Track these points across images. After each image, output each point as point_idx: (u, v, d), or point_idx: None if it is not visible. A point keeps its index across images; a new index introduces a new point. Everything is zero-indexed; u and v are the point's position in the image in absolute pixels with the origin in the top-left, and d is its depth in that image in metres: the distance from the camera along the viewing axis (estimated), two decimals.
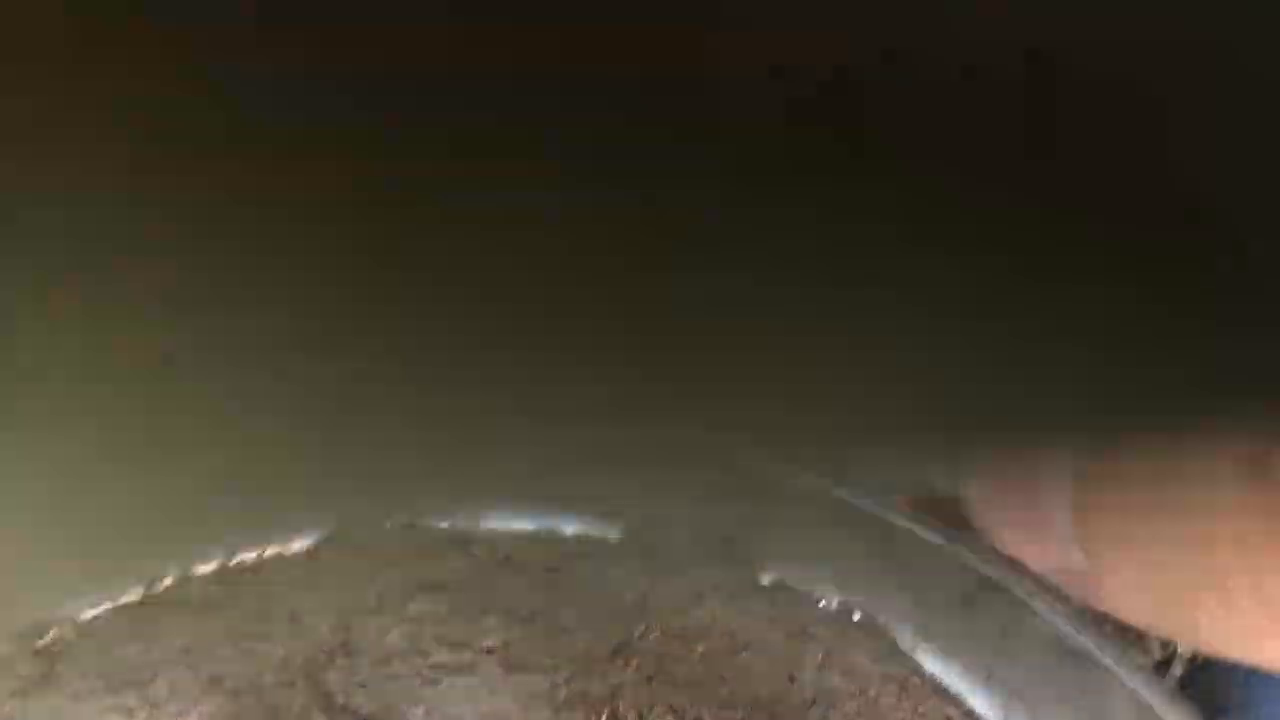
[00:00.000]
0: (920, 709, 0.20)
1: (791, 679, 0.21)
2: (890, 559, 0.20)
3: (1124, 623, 0.18)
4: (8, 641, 0.20)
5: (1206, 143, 0.17)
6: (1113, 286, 0.18)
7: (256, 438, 0.22)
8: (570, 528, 0.22)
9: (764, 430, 0.21)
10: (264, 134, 0.18)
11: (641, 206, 0.19)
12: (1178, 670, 0.29)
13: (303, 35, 0.17)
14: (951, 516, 0.20)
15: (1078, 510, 0.18)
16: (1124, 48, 0.16)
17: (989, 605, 0.19)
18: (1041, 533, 0.18)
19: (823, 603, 0.21)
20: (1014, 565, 0.20)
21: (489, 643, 0.21)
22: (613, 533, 0.22)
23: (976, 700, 0.19)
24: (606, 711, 0.21)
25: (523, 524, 0.22)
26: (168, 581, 0.21)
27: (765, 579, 0.21)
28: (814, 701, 0.21)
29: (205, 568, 0.21)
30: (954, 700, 0.20)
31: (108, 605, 0.20)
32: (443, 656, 0.21)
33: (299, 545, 0.21)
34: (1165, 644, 0.31)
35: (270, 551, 0.21)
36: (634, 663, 0.21)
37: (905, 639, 0.20)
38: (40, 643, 0.20)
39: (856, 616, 0.20)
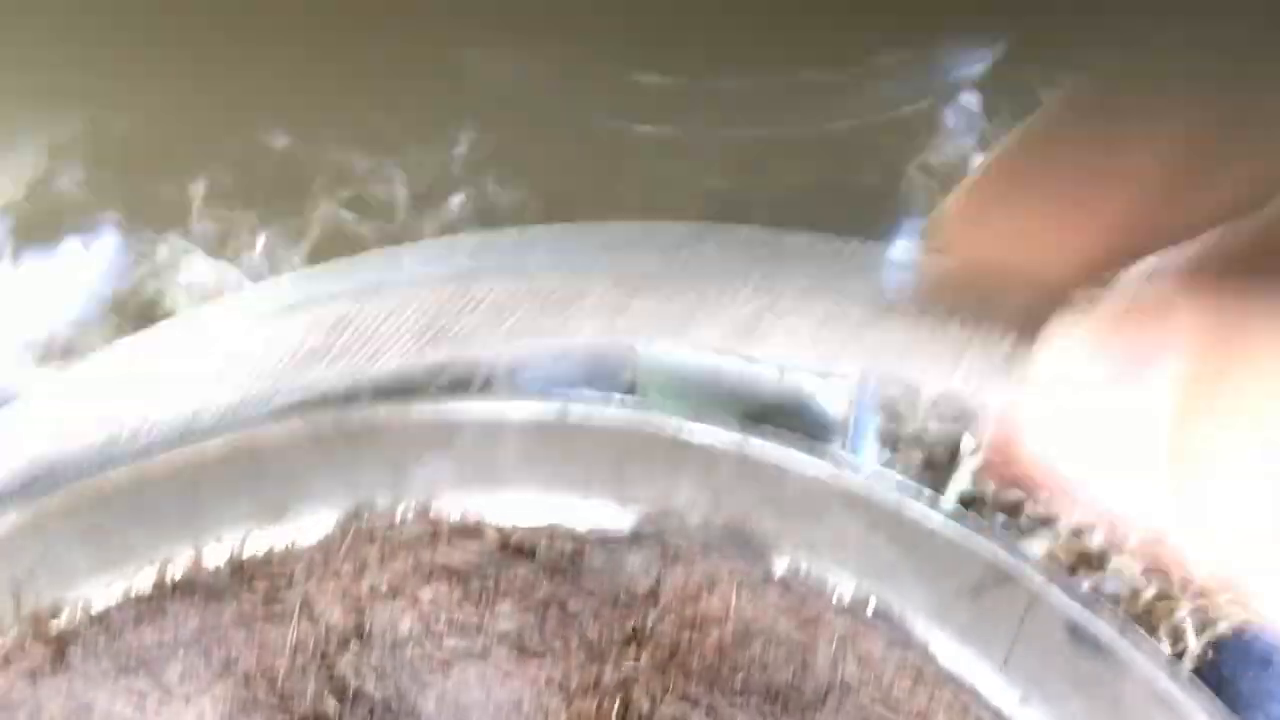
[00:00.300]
0: (935, 697, 0.20)
1: (805, 667, 0.21)
2: (905, 547, 0.20)
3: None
4: (20, 625, 0.20)
5: None
6: None
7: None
8: (583, 514, 0.22)
9: None
10: None
11: None
12: (1188, 664, 0.29)
13: None
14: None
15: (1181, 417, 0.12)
16: None
17: (1003, 593, 0.19)
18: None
19: (837, 591, 0.21)
20: (1028, 554, 0.20)
21: (502, 628, 0.21)
22: (626, 520, 0.22)
23: (991, 688, 0.19)
24: (619, 699, 0.21)
25: (536, 511, 0.22)
26: (180, 566, 0.21)
27: (779, 568, 0.21)
28: (828, 690, 0.21)
29: (217, 552, 0.21)
30: (968, 688, 0.20)
31: (119, 589, 0.20)
32: (455, 643, 0.21)
33: (312, 532, 0.21)
34: (1177, 637, 0.31)
35: (283, 538, 0.21)
36: (647, 650, 0.21)
37: (919, 627, 0.20)
38: (52, 626, 0.20)
39: (871, 605, 0.20)
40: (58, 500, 0.20)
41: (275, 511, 0.21)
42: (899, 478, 0.21)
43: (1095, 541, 0.34)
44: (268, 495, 0.21)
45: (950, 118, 0.58)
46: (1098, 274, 0.16)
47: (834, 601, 0.21)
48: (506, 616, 0.21)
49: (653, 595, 0.22)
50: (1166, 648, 0.23)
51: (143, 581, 0.20)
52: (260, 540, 0.21)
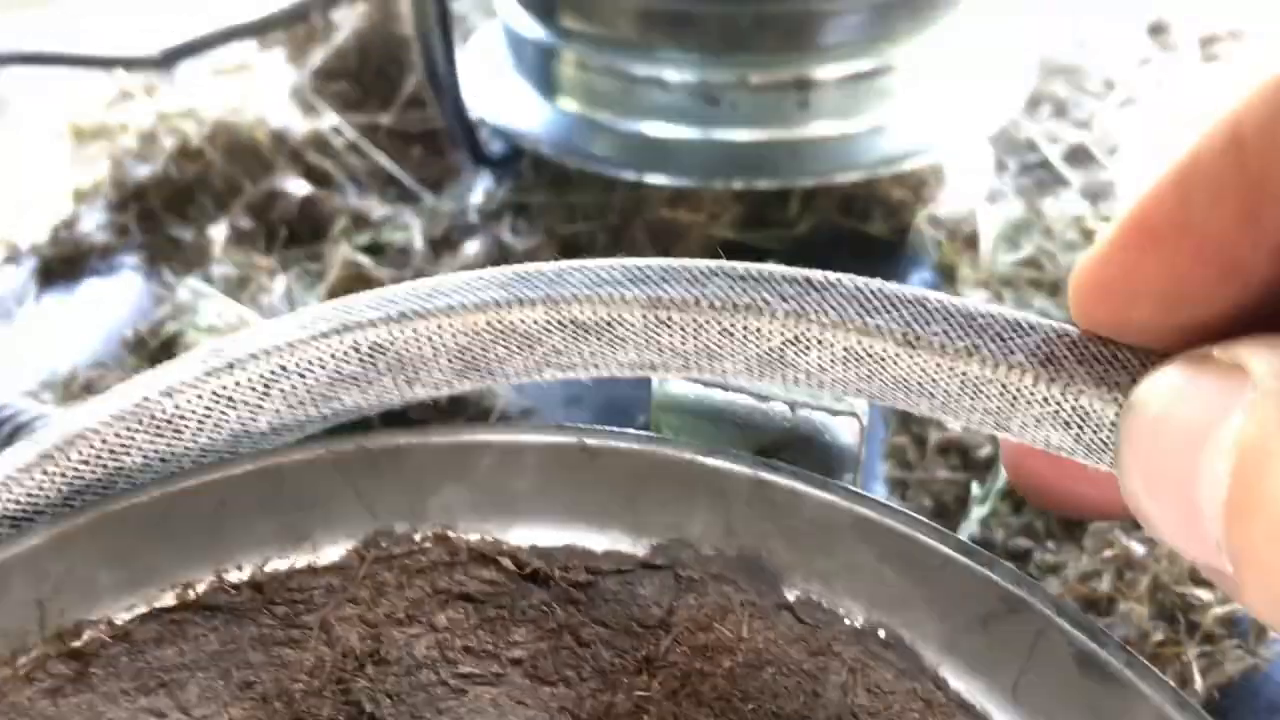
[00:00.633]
0: None
1: (816, 695, 0.21)
2: (915, 576, 0.20)
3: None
4: (44, 643, 0.20)
5: None
6: None
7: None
8: (598, 542, 0.22)
9: None
10: None
11: None
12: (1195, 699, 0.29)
13: None
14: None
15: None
16: None
17: (1013, 622, 0.20)
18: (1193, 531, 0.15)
19: (848, 620, 0.21)
20: (1040, 584, 0.20)
21: (516, 654, 0.22)
22: (640, 549, 0.22)
23: (1001, 717, 0.20)
24: None
25: (551, 539, 0.22)
26: (202, 587, 0.21)
27: (791, 596, 0.21)
28: (838, 718, 0.21)
29: (239, 575, 0.21)
30: (978, 717, 0.20)
31: (142, 609, 0.21)
32: (470, 667, 0.22)
33: (331, 555, 0.22)
34: (1184, 681, 0.31)
35: (303, 560, 0.22)
36: (659, 678, 0.22)
37: (930, 656, 0.20)
38: (75, 644, 0.20)
39: (881, 634, 0.21)
40: (83, 520, 0.21)
41: (296, 536, 0.22)
42: (909, 510, 0.21)
43: (1103, 586, 0.34)
44: (289, 520, 0.22)
45: (958, 171, 0.59)
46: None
47: (845, 631, 0.21)
48: (521, 643, 0.22)
49: (665, 624, 0.22)
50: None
51: (165, 601, 0.21)
52: (280, 564, 0.22)
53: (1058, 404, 0.18)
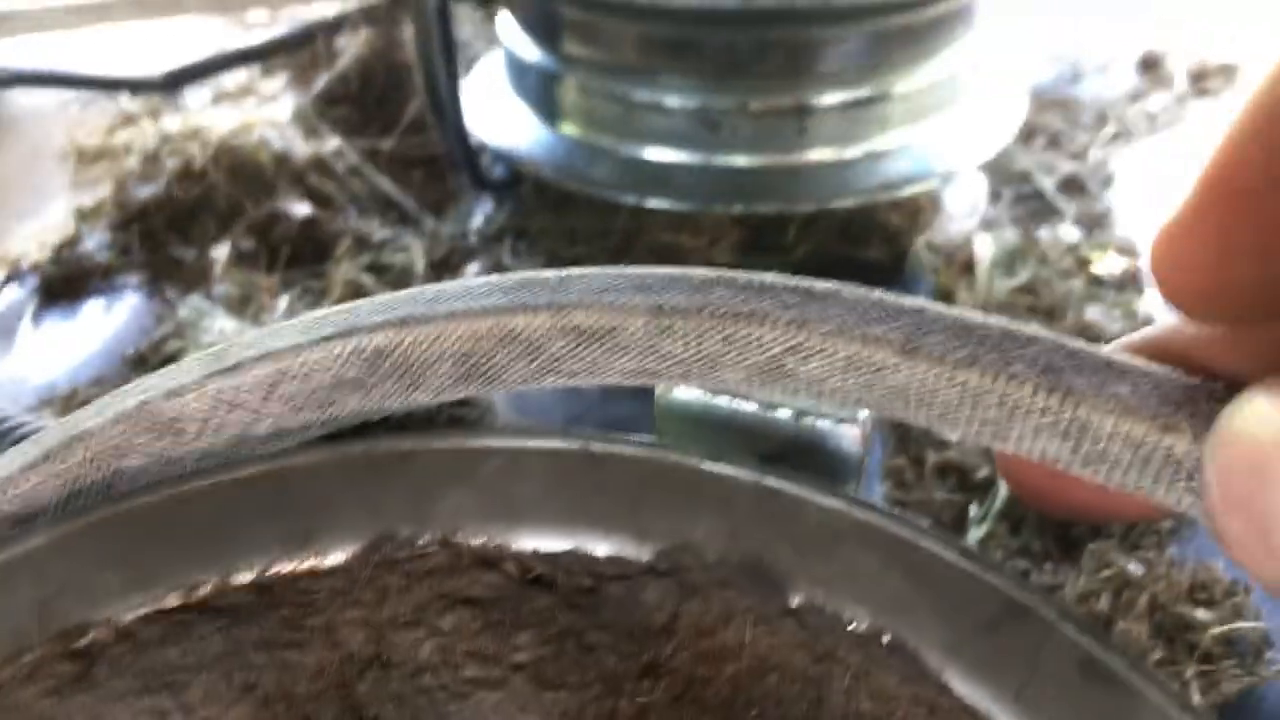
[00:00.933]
0: None
1: (819, 701, 0.21)
2: (919, 582, 0.21)
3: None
4: (47, 643, 0.20)
5: None
6: None
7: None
8: (601, 548, 0.22)
9: None
10: None
11: None
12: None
13: None
14: None
15: None
16: None
17: (1017, 627, 0.20)
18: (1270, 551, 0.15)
19: (852, 625, 0.21)
20: (1044, 589, 0.20)
21: (520, 659, 0.22)
22: (644, 554, 0.22)
23: None
24: None
25: (556, 544, 0.22)
26: (206, 589, 0.21)
27: (794, 601, 0.21)
28: None
29: (243, 576, 0.21)
30: None
31: (146, 610, 0.21)
32: (474, 672, 0.22)
33: (336, 558, 0.22)
34: (1183, 692, 0.31)
35: (307, 563, 0.22)
36: (663, 683, 0.22)
37: (933, 661, 0.20)
38: (78, 644, 0.20)
39: (885, 639, 0.21)
40: (87, 521, 0.21)
41: (301, 538, 0.22)
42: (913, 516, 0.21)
43: (1101, 606, 0.34)
44: (294, 522, 0.22)
45: (954, 199, 0.60)
46: None
47: (848, 637, 0.21)
48: (525, 647, 0.22)
49: (669, 629, 0.22)
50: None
51: (169, 602, 0.21)
52: (285, 566, 0.22)
53: (1056, 415, 0.18)
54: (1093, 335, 0.49)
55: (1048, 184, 0.62)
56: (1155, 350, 0.19)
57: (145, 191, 0.59)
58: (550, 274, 0.22)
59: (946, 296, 0.53)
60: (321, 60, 0.71)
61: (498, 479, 0.22)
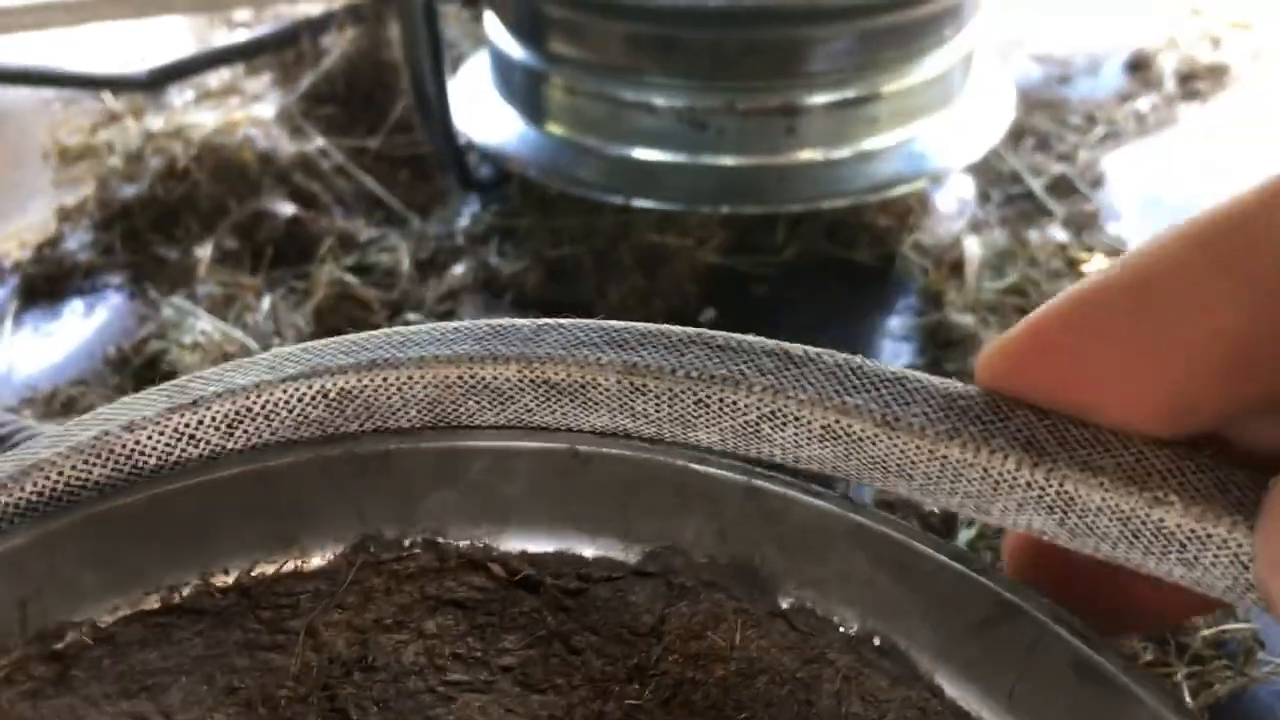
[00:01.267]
0: None
1: (809, 704, 0.21)
2: (910, 583, 0.20)
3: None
4: (25, 644, 0.20)
5: None
6: None
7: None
8: (589, 549, 0.22)
9: None
10: None
11: None
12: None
13: None
14: None
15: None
16: None
17: (1009, 629, 0.19)
18: None
19: (842, 628, 0.21)
20: (1035, 589, 0.20)
21: (506, 662, 0.21)
22: (632, 556, 0.22)
23: None
24: None
25: (542, 546, 0.22)
26: (187, 591, 0.21)
27: (784, 603, 0.21)
28: None
29: (225, 578, 0.21)
30: None
31: (126, 612, 0.20)
32: (459, 675, 0.21)
33: (319, 559, 0.21)
34: (1175, 686, 0.31)
35: (290, 564, 0.21)
36: (651, 686, 0.21)
37: (924, 664, 0.20)
38: (57, 646, 0.20)
39: (876, 641, 0.20)
40: (68, 522, 0.21)
41: (284, 540, 0.21)
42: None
43: None
44: (277, 523, 0.21)
45: (942, 200, 0.60)
46: (1177, 419, 0.17)
47: (839, 638, 0.21)
48: (511, 650, 0.21)
49: (657, 631, 0.22)
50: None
51: (150, 605, 0.20)
52: (267, 568, 0.21)
53: (1041, 489, 0.18)
54: None
55: (1037, 185, 0.62)
56: (1133, 273, 0.19)
57: (128, 191, 0.58)
58: (525, 323, 0.22)
59: (935, 298, 0.53)
60: (307, 59, 0.70)
61: (484, 480, 0.22)
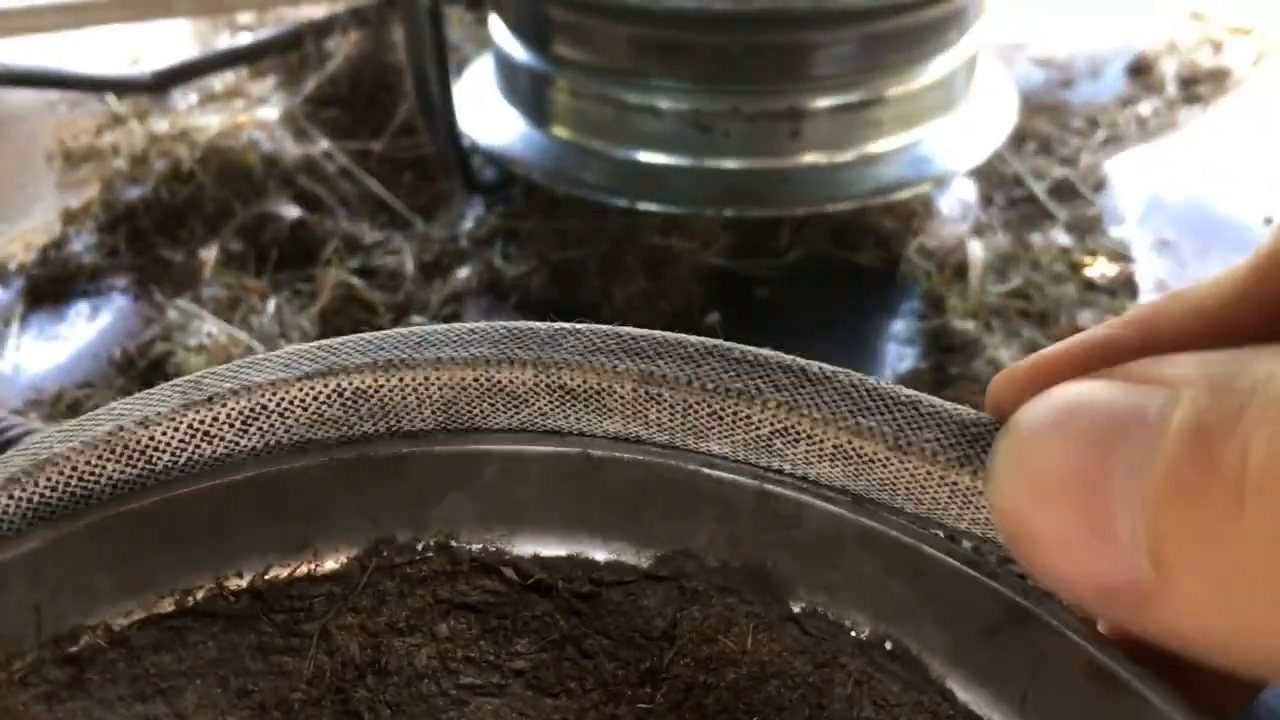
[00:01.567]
0: None
1: (821, 708, 0.21)
2: (922, 587, 0.20)
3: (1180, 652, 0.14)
4: (39, 647, 0.20)
5: None
6: None
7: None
8: (601, 553, 0.22)
9: None
10: None
11: None
12: None
13: None
14: None
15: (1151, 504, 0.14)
16: None
17: (1021, 633, 0.20)
18: (1100, 531, 0.14)
19: (853, 632, 0.21)
20: (1046, 594, 0.20)
21: (518, 665, 0.21)
22: (644, 561, 0.22)
23: None
24: None
25: (555, 550, 0.22)
26: (201, 594, 0.21)
27: (796, 607, 0.21)
28: None
29: (239, 582, 0.21)
30: None
31: (140, 615, 0.20)
32: (472, 678, 0.21)
33: (332, 563, 0.21)
34: None
35: (303, 568, 0.21)
36: (663, 690, 0.21)
37: (936, 668, 0.20)
38: (71, 649, 0.20)
39: (888, 646, 0.21)
40: (82, 525, 0.21)
41: (297, 544, 0.21)
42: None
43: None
44: (290, 527, 0.21)
45: (946, 204, 0.60)
46: None
47: (850, 643, 0.21)
48: (524, 654, 0.22)
49: (669, 635, 0.22)
50: None
51: (164, 608, 0.20)
52: (281, 571, 0.21)
53: None
54: None
55: (1039, 188, 0.62)
56: (1143, 328, 0.19)
57: (133, 193, 0.58)
58: (542, 327, 0.22)
59: (938, 301, 0.53)
60: (311, 62, 0.70)
61: (497, 484, 0.22)
